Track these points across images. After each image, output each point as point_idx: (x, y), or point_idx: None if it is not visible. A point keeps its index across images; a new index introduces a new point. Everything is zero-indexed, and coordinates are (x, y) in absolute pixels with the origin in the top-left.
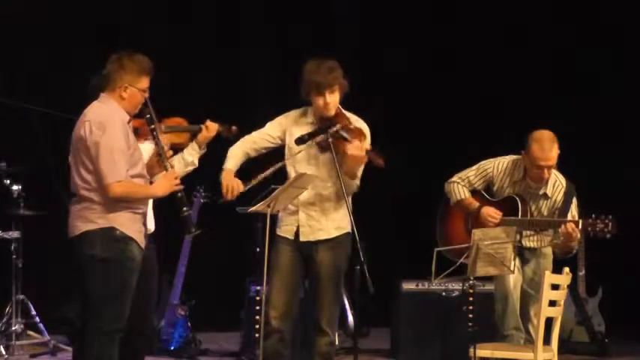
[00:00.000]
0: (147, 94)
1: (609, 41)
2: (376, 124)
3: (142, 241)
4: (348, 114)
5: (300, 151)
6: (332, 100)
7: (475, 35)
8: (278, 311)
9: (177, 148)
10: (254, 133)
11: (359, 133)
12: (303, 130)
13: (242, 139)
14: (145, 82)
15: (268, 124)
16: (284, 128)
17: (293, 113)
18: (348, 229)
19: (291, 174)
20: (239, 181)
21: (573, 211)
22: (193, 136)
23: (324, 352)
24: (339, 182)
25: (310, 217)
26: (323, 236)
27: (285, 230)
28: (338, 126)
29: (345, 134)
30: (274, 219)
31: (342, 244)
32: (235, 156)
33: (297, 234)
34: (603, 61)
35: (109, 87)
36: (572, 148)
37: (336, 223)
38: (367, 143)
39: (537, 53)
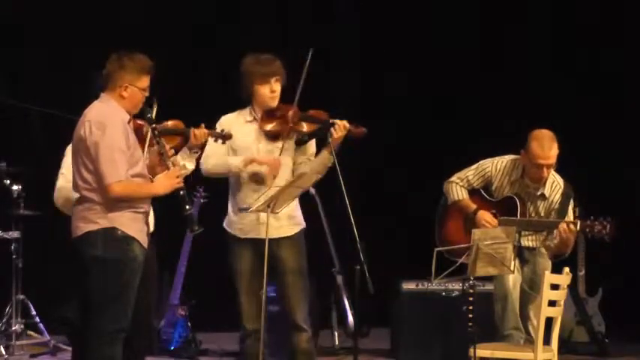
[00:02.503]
0: (147, 94)
1: (610, 41)
2: (376, 124)
3: (144, 241)
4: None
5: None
6: (278, 89)
7: (475, 34)
8: (249, 313)
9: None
10: (210, 149)
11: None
12: (245, 129)
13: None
14: (145, 82)
15: None
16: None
17: (227, 116)
18: (304, 225)
19: (244, 175)
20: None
21: (570, 214)
22: (186, 139)
23: (305, 349)
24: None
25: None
26: (283, 233)
27: (242, 230)
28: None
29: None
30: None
31: (301, 239)
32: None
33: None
34: (604, 60)
35: (109, 86)
36: (571, 149)
37: (295, 219)
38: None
39: (537, 53)
